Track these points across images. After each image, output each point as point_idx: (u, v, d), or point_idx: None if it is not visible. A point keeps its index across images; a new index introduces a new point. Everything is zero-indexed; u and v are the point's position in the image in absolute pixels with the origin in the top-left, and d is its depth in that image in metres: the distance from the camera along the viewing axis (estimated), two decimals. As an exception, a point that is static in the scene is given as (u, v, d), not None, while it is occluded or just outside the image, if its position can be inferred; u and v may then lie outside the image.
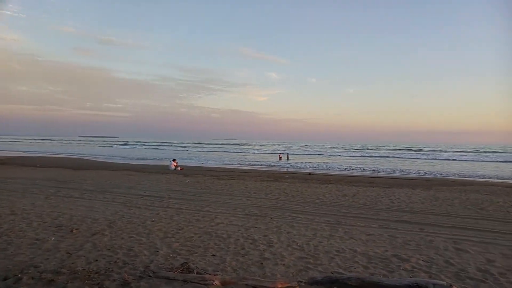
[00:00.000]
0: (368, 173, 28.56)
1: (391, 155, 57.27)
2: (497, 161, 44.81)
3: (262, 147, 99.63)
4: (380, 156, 55.26)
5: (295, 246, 6.87)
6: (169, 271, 5.03)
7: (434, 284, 4.30)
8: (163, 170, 25.85)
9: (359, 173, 28.60)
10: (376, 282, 4.54)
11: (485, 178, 25.74)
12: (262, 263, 5.83)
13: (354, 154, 61.94)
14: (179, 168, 26.58)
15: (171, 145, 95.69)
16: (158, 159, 43.78)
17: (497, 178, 25.43)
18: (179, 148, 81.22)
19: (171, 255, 6.13)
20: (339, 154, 61.93)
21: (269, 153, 64.34)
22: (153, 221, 8.93)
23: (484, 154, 61.43)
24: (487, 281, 5.25)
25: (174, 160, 27.50)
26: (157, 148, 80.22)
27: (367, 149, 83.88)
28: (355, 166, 37.13)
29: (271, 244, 6.97)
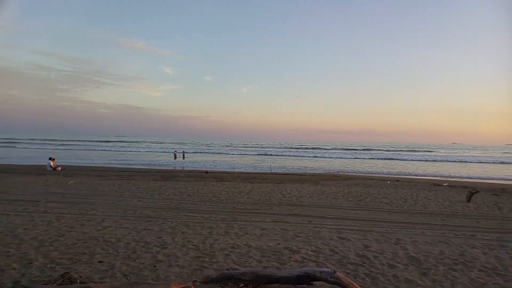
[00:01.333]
0: (262, 170, 29.90)
1: (283, 153, 61.00)
2: (373, 158, 51.39)
3: (157, 144, 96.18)
4: (274, 155, 58.43)
5: (190, 246, 6.80)
6: (46, 284, 4.49)
7: (320, 272, 4.72)
8: (39, 170, 22.96)
9: (254, 170, 29.75)
10: (268, 275, 4.78)
11: (364, 173, 29.30)
12: (155, 266, 5.62)
13: (250, 152, 64.25)
14: (59, 168, 23.94)
15: (45, 143, 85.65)
16: (33, 159, 38.74)
17: (372, 173, 29.18)
18: (60, 146, 73.11)
19: (48, 266, 5.47)
20: (236, 152, 63.52)
21: (163, 151, 62.43)
22: (25, 228, 7.85)
23: (363, 151, 69.95)
24: (364, 264, 5.97)
25: (51, 159, 24.61)
26: (14, 146, 69.60)
27: (262, 147, 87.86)
28: (251, 163, 38.56)
29: (165, 246, 6.76)
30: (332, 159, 48.48)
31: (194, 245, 6.86)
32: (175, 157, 44.18)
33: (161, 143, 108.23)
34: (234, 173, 25.99)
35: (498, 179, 26.58)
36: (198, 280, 4.92)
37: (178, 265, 5.71)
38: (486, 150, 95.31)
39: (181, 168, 30.41)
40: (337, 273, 4.65)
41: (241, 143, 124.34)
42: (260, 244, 7.02)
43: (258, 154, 57.94)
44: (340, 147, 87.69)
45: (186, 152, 49.78)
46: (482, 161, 49.20)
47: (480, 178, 26.72)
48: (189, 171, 26.22)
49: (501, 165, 43.78)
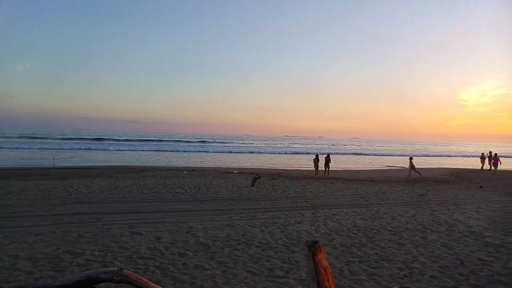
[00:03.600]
0: (42, 164, 26.03)
1: (70, 145, 54.91)
2: (178, 151, 52.55)
3: None
4: (57, 148, 51.84)
5: None
6: None
7: (105, 273, 4.44)
8: None
9: (30, 165, 25.56)
10: (41, 287, 4.18)
11: (162, 164, 29.60)
12: None
13: (25, 143, 54.69)
14: None
15: None
16: None
17: (170, 164, 29.88)
18: None
19: None
20: (4, 143, 52.86)
21: None
22: None
23: (163, 143, 70.71)
24: (155, 257, 6.00)
25: None
26: None
27: (42, 137, 76.58)
28: (26, 156, 32.98)
29: None
30: (127, 151, 46.85)
31: None
32: None
33: None
34: None
35: (276, 165, 31.85)
36: None
37: None
38: (268, 141, 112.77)
39: None
40: (124, 270, 4.49)
41: (12, 132, 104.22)
42: (32, 253, 6.05)
43: (39, 149, 49.86)
44: (135, 139, 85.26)
45: None
46: (266, 151, 58.02)
47: (262, 166, 31.36)
48: None
49: (278, 154, 52.70)
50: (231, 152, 52.87)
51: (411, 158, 23.77)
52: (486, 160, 28.59)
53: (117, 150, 47.92)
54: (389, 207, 11.44)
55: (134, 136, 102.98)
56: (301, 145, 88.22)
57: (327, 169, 21.93)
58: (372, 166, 34.89)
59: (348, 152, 63.68)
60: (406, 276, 5.45)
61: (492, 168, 26.98)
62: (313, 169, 21.57)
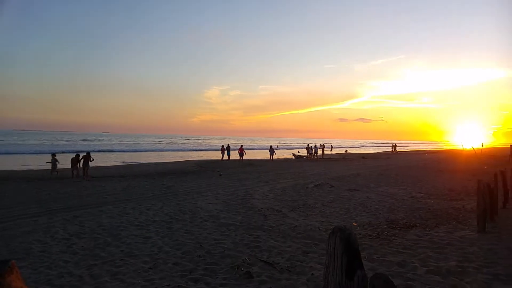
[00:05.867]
0: None
1: None
2: None
3: None
4: None
5: None
6: None
7: None
8: None
9: None
10: None
11: None
12: None
13: None
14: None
15: None
16: None
17: None
18: None
19: None
20: None
21: None
22: None
23: None
24: None
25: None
26: None
27: None
28: None
29: None
30: None
31: None
32: None
33: None
34: None
35: (3, 167, 26.78)
36: None
37: None
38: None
39: None
40: None
41: None
42: None
43: None
44: None
45: None
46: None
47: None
48: None
49: (5, 155, 44.55)
50: None
51: (88, 153, 20.40)
52: (226, 152, 33.79)
53: None
54: (137, 202, 11.54)
55: None
56: (39, 141, 77.05)
57: (86, 168, 19.09)
58: (124, 162, 34.43)
59: (103, 149, 59.90)
60: (151, 268, 5.62)
61: (238, 158, 32.67)
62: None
